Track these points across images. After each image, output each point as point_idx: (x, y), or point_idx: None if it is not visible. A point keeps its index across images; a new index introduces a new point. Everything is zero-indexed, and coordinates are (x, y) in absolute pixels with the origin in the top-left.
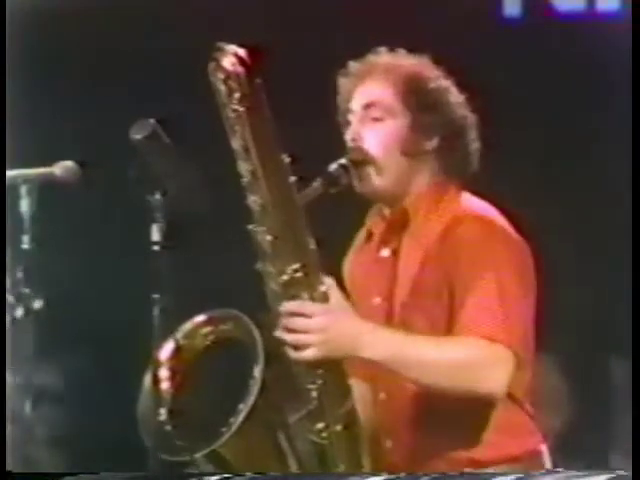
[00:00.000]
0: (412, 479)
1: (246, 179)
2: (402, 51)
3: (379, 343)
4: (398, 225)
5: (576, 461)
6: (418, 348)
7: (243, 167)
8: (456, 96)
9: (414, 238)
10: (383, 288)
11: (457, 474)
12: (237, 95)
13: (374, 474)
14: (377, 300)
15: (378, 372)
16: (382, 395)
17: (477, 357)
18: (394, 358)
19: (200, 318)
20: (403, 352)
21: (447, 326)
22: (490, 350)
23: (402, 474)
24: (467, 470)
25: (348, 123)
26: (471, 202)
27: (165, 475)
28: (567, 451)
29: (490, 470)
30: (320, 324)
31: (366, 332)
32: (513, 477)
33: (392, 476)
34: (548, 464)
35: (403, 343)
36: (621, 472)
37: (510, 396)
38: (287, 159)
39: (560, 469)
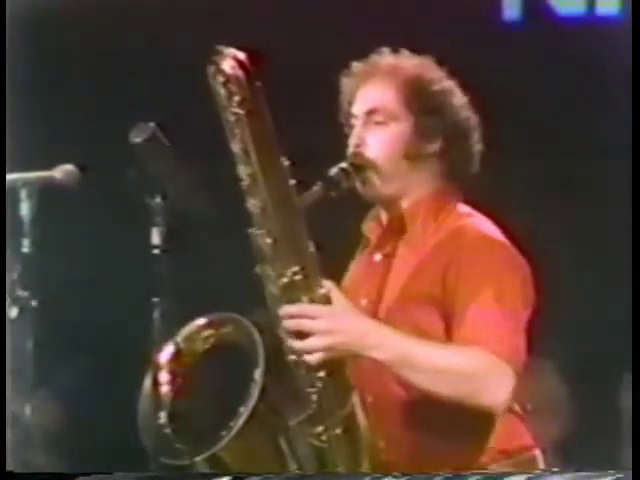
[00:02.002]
0: (426, 478)
1: (246, 182)
2: (405, 52)
3: (384, 343)
4: (394, 231)
5: (575, 465)
6: (423, 352)
7: (243, 170)
8: (459, 98)
9: (409, 245)
10: (371, 291)
11: (470, 473)
12: (237, 98)
13: (388, 474)
14: (364, 302)
15: (366, 376)
16: (370, 398)
17: (481, 368)
18: (399, 359)
19: (200, 321)
20: (408, 354)
21: (438, 337)
22: (494, 364)
23: (416, 474)
24: (480, 470)
25: (351, 126)
26: (471, 216)
27: (177, 475)
28: (568, 454)
29: (501, 469)
30: (325, 326)
31: (371, 331)
32: (524, 477)
33: (405, 477)
34: (542, 465)
35: (409, 345)
36: (629, 472)
37: None
38: (287, 162)
39: (570, 469)
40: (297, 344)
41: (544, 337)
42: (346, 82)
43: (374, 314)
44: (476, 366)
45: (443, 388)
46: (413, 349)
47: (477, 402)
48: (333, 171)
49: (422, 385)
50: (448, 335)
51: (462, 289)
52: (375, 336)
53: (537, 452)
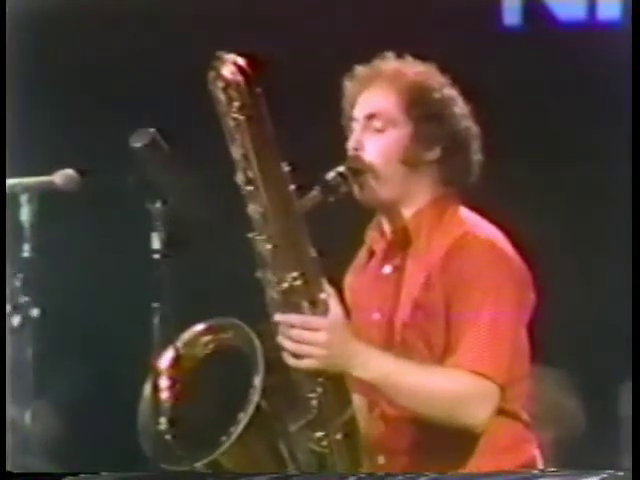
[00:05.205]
0: (411, 479)
1: (246, 188)
2: (409, 58)
3: (370, 364)
4: (400, 243)
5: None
6: (407, 375)
7: (243, 176)
8: (461, 107)
9: (417, 258)
10: (383, 305)
11: (456, 475)
12: (237, 104)
13: (371, 474)
14: (376, 316)
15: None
16: (377, 411)
17: (463, 393)
18: (383, 381)
19: (200, 327)
20: (392, 377)
21: (444, 350)
22: (477, 387)
23: (400, 475)
24: (466, 472)
25: (351, 130)
26: (473, 222)
27: (167, 476)
28: (568, 457)
29: (488, 470)
30: (325, 339)
31: (360, 351)
32: (513, 478)
33: (389, 477)
34: (541, 466)
35: (393, 368)
36: (619, 472)
37: (506, 411)
38: (287, 167)
39: (560, 469)
40: (292, 348)
41: (544, 339)
42: (349, 85)
43: (389, 328)
44: (458, 390)
45: (425, 409)
46: (395, 373)
47: (457, 423)
48: (330, 175)
49: (404, 405)
50: (446, 350)
51: (460, 306)
52: (362, 356)
53: (538, 454)
